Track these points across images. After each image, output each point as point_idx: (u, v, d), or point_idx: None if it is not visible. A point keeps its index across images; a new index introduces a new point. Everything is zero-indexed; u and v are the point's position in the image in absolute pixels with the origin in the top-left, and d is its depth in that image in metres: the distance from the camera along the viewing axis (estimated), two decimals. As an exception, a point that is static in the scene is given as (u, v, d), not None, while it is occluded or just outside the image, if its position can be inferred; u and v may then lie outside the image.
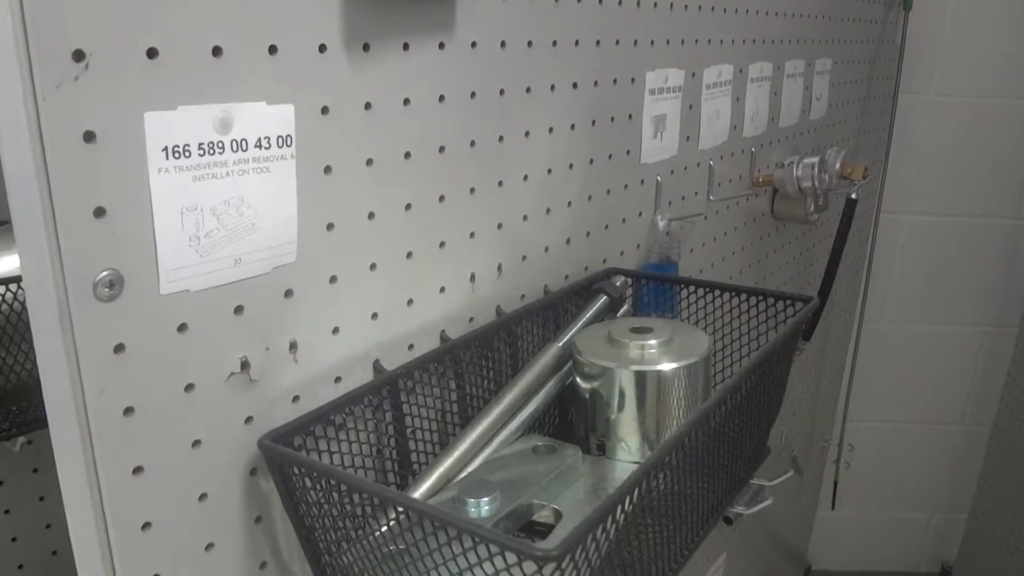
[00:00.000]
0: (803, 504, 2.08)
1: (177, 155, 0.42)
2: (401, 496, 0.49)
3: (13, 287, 0.66)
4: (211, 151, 0.44)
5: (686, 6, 0.88)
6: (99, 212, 0.40)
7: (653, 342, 0.69)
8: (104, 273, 0.41)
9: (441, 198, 0.61)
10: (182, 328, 0.45)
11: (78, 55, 0.38)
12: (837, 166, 1.29)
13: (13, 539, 0.93)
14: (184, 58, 0.42)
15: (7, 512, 0.92)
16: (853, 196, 1.32)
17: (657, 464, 0.50)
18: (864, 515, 2.21)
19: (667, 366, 0.67)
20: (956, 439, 2.12)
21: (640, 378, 0.67)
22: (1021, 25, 1.80)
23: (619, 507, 0.45)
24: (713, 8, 0.94)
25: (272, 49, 0.46)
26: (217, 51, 0.43)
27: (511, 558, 0.41)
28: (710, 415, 0.58)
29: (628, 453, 0.70)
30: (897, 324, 2.03)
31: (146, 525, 0.46)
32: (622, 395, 0.68)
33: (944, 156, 1.90)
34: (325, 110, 0.50)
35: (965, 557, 2.18)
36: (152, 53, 0.40)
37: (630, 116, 0.83)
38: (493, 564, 0.42)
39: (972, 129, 1.89)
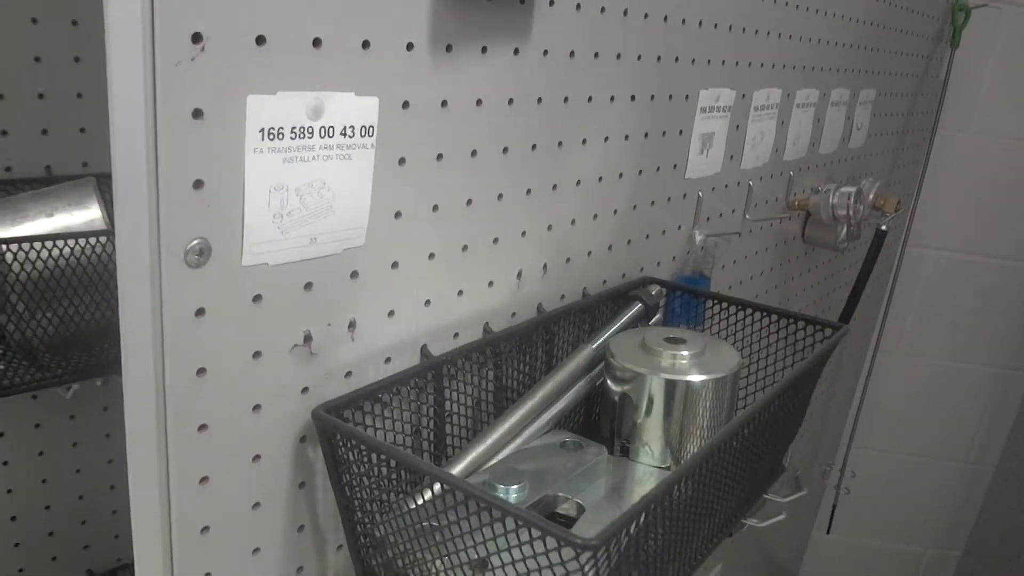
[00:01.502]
0: (799, 525, 2.10)
1: (271, 137, 0.45)
2: (449, 475, 0.52)
3: (82, 242, 0.69)
4: (301, 135, 0.46)
5: (744, 29, 0.90)
6: (197, 184, 0.43)
7: (685, 353, 0.71)
8: (195, 241, 0.43)
9: (500, 196, 0.64)
10: (257, 299, 0.48)
11: (196, 37, 0.40)
12: (871, 196, 1.31)
13: (43, 480, 0.97)
14: (288, 47, 0.44)
15: (40, 454, 0.95)
16: (883, 227, 1.33)
17: (691, 470, 0.53)
18: (858, 542, 2.23)
19: (697, 377, 0.70)
20: (958, 476, 2.14)
21: (670, 386, 0.70)
22: (1065, 73, 1.81)
23: (653, 506, 0.47)
24: (768, 32, 0.96)
25: (365, 44, 0.48)
26: (317, 42, 0.46)
27: (551, 543, 0.43)
28: (741, 430, 0.60)
29: (651, 457, 0.72)
30: (912, 356, 2.04)
31: (204, 479, 0.49)
32: (651, 401, 0.71)
33: (975, 195, 1.91)
34: (406, 105, 0.52)
35: (955, 593, 2.20)
36: (260, 40, 0.43)
37: (680, 131, 0.86)
38: (532, 547, 0.44)
39: (1005, 171, 1.90)
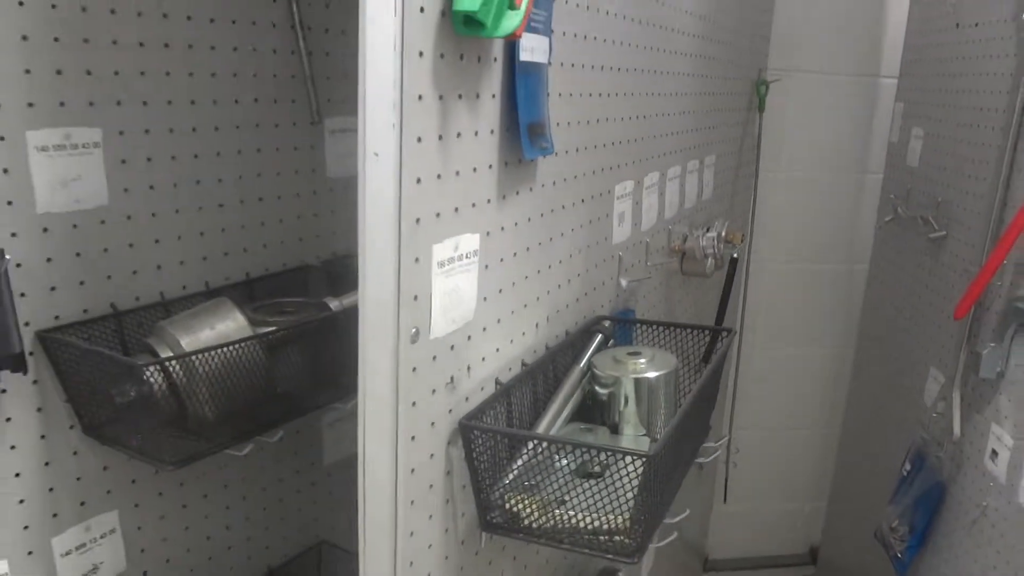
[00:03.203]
0: (703, 499, 2.55)
1: (442, 265, 0.81)
2: (539, 434, 0.88)
3: (242, 345, 1.00)
4: (451, 262, 0.82)
5: (639, 139, 1.33)
6: (415, 297, 0.78)
7: (643, 360, 1.11)
8: (413, 329, 0.78)
9: (526, 277, 1.01)
10: (434, 358, 0.83)
11: (417, 220, 0.76)
12: (723, 233, 1.78)
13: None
14: (447, 215, 0.80)
15: (227, 508, 1.22)
16: (735, 255, 1.81)
17: (682, 418, 0.92)
18: (750, 507, 2.71)
19: (654, 374, 1.09)
20: (815, 439, 2.67)
21: (639, 383, 1.09)
22: (831, 116, 2.42)
23: (671, 437, 0.86)
24: (652, 136, 1.40)
25: (473, 205, 0.85)
26: (456, 210, 0.82)
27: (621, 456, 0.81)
28: (696, 398, 1.00)
29: (632, 431, 1.11)
30: (766, 349, 2.57)
31: (413, 470, 0.83)
32: (627, 395, 1.10)
33: (794, 218, 2.48)
34: (488, 233, 0.90)
35: (827, 537, 2.71)
36: (437, 215, 0.79)
37: (607, 215, 1.26)
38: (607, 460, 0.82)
39: (812, 196, 2.47)
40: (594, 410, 1.13)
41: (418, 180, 0.75)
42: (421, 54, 0.72)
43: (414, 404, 0.81)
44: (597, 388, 1.11)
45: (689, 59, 1.56)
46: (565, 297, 1.15)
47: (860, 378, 2.52)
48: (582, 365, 1.14)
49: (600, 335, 1.21)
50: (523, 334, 1.03)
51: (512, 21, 0.77)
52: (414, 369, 0.80)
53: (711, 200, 1.93)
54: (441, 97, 0.77)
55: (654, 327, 1.29)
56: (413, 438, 0.82)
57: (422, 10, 0.72)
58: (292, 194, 1.31)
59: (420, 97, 0.73)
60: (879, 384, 2.35)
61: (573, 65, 1.05)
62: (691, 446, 1.10)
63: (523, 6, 0.78)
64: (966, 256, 1.85)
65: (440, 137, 0.77)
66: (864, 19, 2.38)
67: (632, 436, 1.10)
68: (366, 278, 0.76)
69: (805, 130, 2.42)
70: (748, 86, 2.14)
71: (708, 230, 1.68)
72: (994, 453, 1.66)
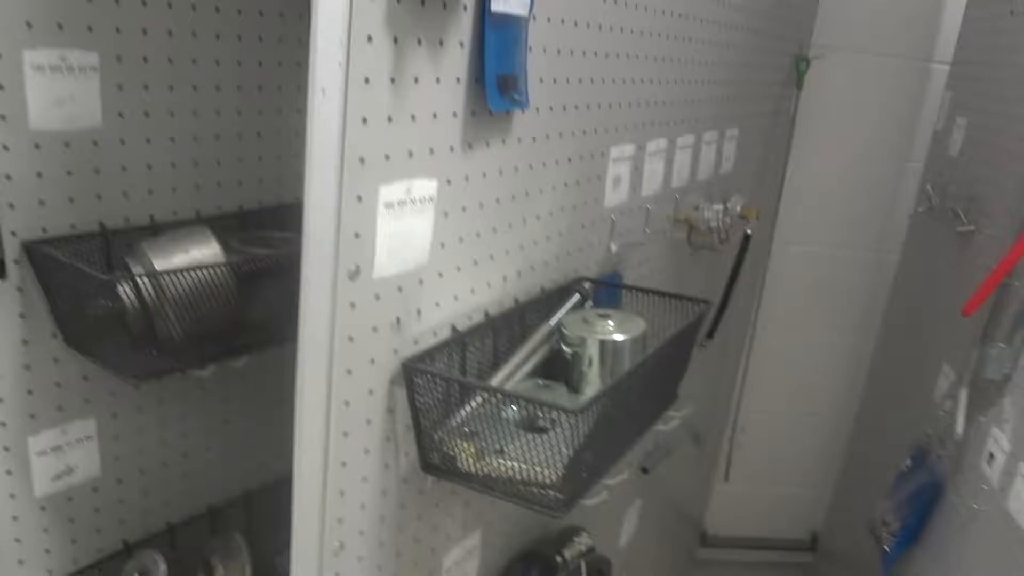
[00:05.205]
0: (703, 476, 2.55)
1: (389, 207, 0.82)
2: (487, 384, 0.90)
3: (212, 269, 1.03)
4: (401, 205, 0.83)
5: (640, 103, 1.31)
6: (356, 235, 0.79)
7: (611, 323, 1.11)
8: (354, 265, 0.80)
9: (494, 229, 1.02)
10: (377, 297, 0.84)
11: (361, 160, 0.77)
12: (738, 209, 1.75)
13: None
14: (398, 158, 0.81)
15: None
16: (748, 232, 1.78)
17: (625, 379, 0.92)
18: (751, 487, 2.70)
19: (620, 337, 1.09)
20: (824, 427, 2.63)
21: (604, 345, 1.09)
22: (875, 100, 2.34)
23: (606, 396, 0.87)
24: (656, 103, 1.38)
25: (431, 151, 0.86)
26: (410, 154, 0.83)
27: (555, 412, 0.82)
28: (649, 360, 1.00)
29: (593, 392, 1.11)
30: (783, 332, 2.53)
31: (347, 403, 0.85)
32: (591, 355, 1.10)
33: (824, 201, 2.41)
34: (448, 181, 0.90)
35: (828, 526, 2.69)
36: (387, 157, 0.80)
37: (599, 176, 1.26)
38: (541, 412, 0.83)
39: (846, 180, 2.40)
40: (559, 368, 1.13)
41: (364, 120, 0.76)
42: (372, -6, 0.73)
43: (351, 339, 0.83)
44: (563, 347, 1.12)
45: (710, 26, 1.52)
46: (543, 254, 1.15)
47: (877, 368, 2.47)
48: (552, 323, 1.15)
49: (577, 295, 1.22)
50: (488, 285, 1.04)
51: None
52: (352, 305, 0.82)
53: (732, 174, 1.89)
54: (396, 40, 0.77)
55: (642, 294, 1.28)
56: (349, 372, 0.84)
57: (377, -51, 0.72)
58: (292, 131, 1.33)
59: (370, 38, 0.74)
60: (895, 376, 2.30)
61: (563, 21, 1.04)
62: (645, 411, 1.10)
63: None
64: (991, 253, 1.79)
65: (392, 80, 0.78)
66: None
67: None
68: (309, 213, 0.77)
69: (846, 112, 2.34)
70: (786, 61, 2.08)
71: (718, 203, 1.66)
72: (991, 456, 1.62)
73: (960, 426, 1.73)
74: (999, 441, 1.60)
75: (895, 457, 2.07)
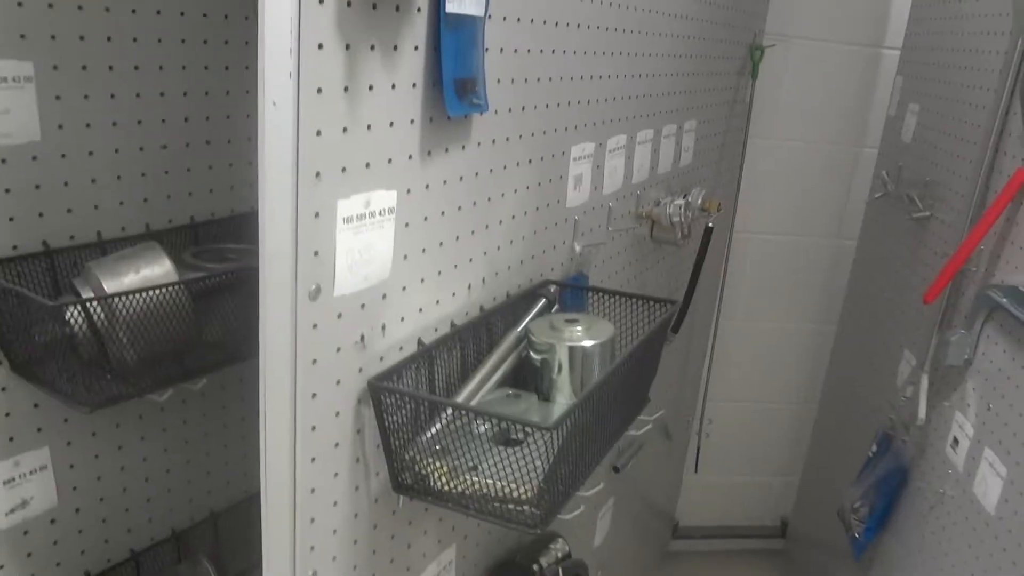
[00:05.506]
0: (673, 468, 2.55)
1: (348, 222, 0.78)
2: (455, 401, 0.87)
3: (164, 289, 0.99)
4: (360, 219, 0.80)
5: (598, 100, 1.29)
6: (316, 253, 0.76)
7: (579, 328, 1.09)
8: (314, 285, 0.77)
9: (457, 238, 0.99)
10: (340, 316, 0.81)
11: (317, 175, 0.74)
12: (699, 202, 1.74)
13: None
14: (355, 170, 0.78)
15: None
16: (710, 224, 1.77)
17: (597, 389, 0.90)
18: (721, 478, 2.71)
19: (589, 343, 1.07)
20: (790, 415, 2.65)
21: (573, 351, 1.07)
22: (829, 87, 2.35)
23: (579, 409, 0.85)
24: (615, 98, 1.36)
25: (389, 161, 0.83)
26: (368, 165, 0.80)
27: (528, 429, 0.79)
28: (621, 366, 0.98)
29: (564, 399, 1.09)
30: (746, 323, 2.54)
31: (314, 428, 0.82)
32: (560, 362, 1.08)
33: (782, 189, 2.42)
34: (408, 191, 0.87)
35: (798, 512, 2.72)
36: (344, 170, 0.77)
37: (561, 177, 1.23)
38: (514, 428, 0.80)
39: (804, 168, 2.41)
40: (528, 376, 1.11)
41: (318, 132, 0.73)
42: (322, 1, 0.69)
43: (315, 362, 0.80)
44: (532, 354, 1.09)
45: (666, 18, 1.51)
46: (507, 259, 1.13)
47: (839, 355, 2.49)
48: (519, 330, 1.12)
49: (544, 299, 1.19)
50: (453, 295, 1.01)
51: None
52: (315, 326, 0.78)
53: (691, 167, 1.89)
54: (348, 47, 0.74)
55: (607, 295, 1.26)
56: (314, 395, 0.81)
57: (326, -46, 0.69)
58: (243, 138, 1.29)
59: (320, 46, 0.70)
60: (857, 363, 2.32)
61: (519, 20, 1.01)
62: (618, 417, 1.09)
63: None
64: (947, 238, 1.81)
65: (346, 89, 0.75)
66: (870, -14, 2.30)
67: (563, 404, 1.09)
68: (264, 232, 0.74)
69: (801, 99, 2.35)
70: (741, 50, 2.08)
71: (679, 197, 1.65)
72: (955, 441, 1.64)
73: (922, 412, 1.75)
74: (963, 426, 1.62)
75: (861, 443, 2.09)
